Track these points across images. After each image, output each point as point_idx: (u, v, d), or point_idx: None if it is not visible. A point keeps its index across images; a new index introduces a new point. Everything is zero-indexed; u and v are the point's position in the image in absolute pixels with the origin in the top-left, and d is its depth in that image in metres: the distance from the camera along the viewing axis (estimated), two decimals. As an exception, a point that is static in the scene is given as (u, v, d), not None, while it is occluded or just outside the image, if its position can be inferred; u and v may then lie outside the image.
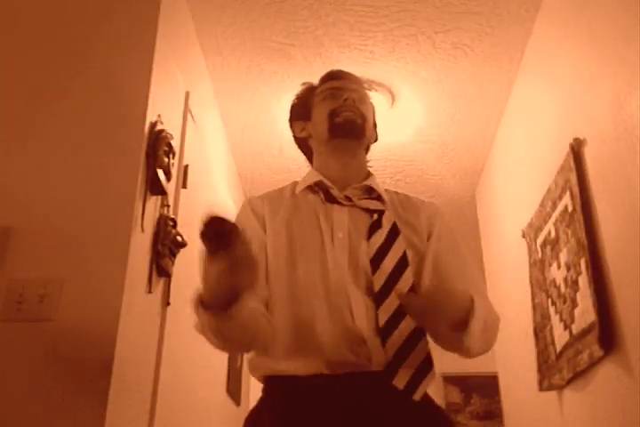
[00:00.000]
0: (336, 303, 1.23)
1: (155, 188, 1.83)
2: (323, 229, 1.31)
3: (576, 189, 2.00)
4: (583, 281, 1.94)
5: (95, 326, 1.55)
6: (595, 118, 1.93)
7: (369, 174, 1.44)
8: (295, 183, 1.46)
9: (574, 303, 2.03)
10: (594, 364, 1.89)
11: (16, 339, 1.53)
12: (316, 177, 1.40)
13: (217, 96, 2.93)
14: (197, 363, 2.29)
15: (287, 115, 1.55)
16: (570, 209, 2.06)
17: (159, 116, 1.91)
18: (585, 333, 1.91)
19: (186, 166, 2.18)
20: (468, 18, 2.48)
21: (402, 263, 1.26)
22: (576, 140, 2.05)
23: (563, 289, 2.15)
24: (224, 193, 2.94)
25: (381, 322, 1.20)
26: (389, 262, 1.26)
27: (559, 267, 2.20)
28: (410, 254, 1.28)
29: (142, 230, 1.74)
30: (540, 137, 2.53)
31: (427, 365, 1.20)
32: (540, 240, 2.44)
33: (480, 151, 3.42)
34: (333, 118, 1.38)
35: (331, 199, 1.36)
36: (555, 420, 2.35)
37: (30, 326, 1.54)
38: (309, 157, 1.53)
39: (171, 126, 1.98)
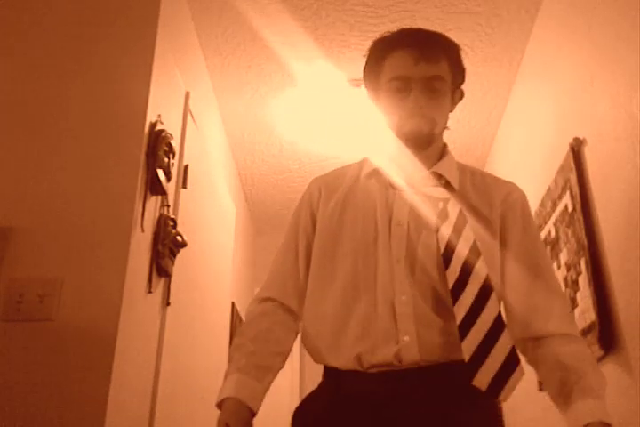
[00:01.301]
0: (379, 299, 1.19)
1: (155, 188, 1.83)
2: (378, 218, 1.26)
3: (576, 189, 2.00)
4: (583, 281, 1.94)
5: (95, 326, 1.55)
6: (595, 118, 1.93)
7: (443, 154, 1.35)
8: (364, 161, 1.38)
9: (574, 303, 2.03)
10: (594, 364, 1.89)
11: (16, 339, 1.53)
12: (382, 160, 1.34)
13: (217, 96, 2.93)
14: (197, 363, 2.29)
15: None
16: (570, 209, 2.06)
17: (159, 116, 1.91)
18: (585, 333, 1.91)
19: (186, 166, 2.18)
20: (467, 18, 2.48)
21: (473, 254, 1.18)
22: (576, 139, 2.05)
23: (563, 289, 2.15)
24: (224, 193, 2.94)
25: (459, 318, 1.14)
26: (460, 256, 1.18)
27: (559, 267, 2.20)
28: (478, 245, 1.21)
29: (142, 230, 1.74)
30: (539, 137, 2.53)
31: (511, 361, 1.11)
32: (539, 240, 2.44)
33: (480, 151, 3.42)
34: (401, 128, 1.29)
35: (394, 185, 1.30)
36: (555, 420, 2.34)
37: (30, 326, 1.54)
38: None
39: (171, 126, 1.98)
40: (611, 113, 1.81)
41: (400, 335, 1.16)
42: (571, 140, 2.06)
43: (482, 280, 1.16)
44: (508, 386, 1.10)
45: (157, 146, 1.83)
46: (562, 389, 1.14)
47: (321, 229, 1.32)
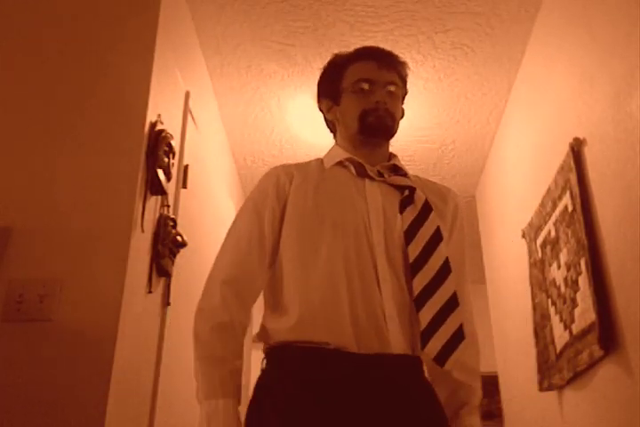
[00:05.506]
0: (364, 281, 1.24)
1: (155, 188, 1.83)
2: (356, 202, 1.32)
3: (576, 189, 2.00)
4: (583, 281, 1.94)
5: (95, 326, 1.55)
6: (595, 118, 1.93)
7: (392, 155, 1.47)
8: (319, 160, 1.46)
9: (574, 303, 2.03)
10: (594, 364, 1.89)
11: (16, 339, 1.53)
12: (345, 154, 1.42)
13: (217, 96, 2.93)
14: (197, 363, 2.28)
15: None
16: (570, 209, 2.06)
17: (159, 116, 1.91)
18: (585, 333, 1.91)
19: (186, 166, 2.18)
20: (468, 18, 2.48)
21: (436, 236, 1.29)
22: (576, 140, 2.05)
23: (563, 289, 2.15)
24: (224, 193, 2.94)
25: (416, 291, 1.23)
26: (424, 235, 1.28)
27: (559, 267, 2.20)
28: None
29: (142, 230, 1.74)
30: (539, 137, 2.53)
31: (459, 335, 1.22)
32: (540, 240, 2.44)
33: (480, 151, 3.42)
34: (365, 119, 1.39)
35: (362, 174, 1.38)
36: (555, 420, 2.35)
37: (30, 326, 1.54)
38: (332, 130, 1.54)
39: (171, 126, 1.98)
40: (611, 113, 1.81)
41: (387, 316, 1.22)
42: (571, 140, 2.06)
43: (442, 260, 1.26)
44: (453, 357, 1.21)
45: (157, 146, 1.83)
46: (453, 403, 1.31)
47: (296, 213, 1.33)
